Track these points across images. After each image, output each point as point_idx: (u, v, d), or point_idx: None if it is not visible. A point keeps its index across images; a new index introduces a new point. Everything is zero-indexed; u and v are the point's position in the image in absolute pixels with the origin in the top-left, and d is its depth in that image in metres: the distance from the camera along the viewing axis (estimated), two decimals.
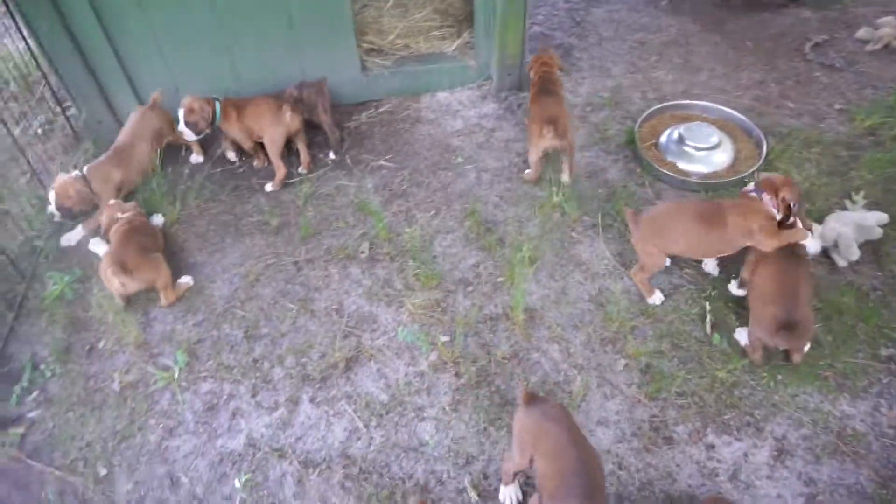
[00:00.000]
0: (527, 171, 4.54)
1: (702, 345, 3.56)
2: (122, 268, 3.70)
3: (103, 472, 3.26)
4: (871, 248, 3.92)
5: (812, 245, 3.80)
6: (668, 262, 3.79)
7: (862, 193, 4.14)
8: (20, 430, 3.41)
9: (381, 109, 5.30)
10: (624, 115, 5.08)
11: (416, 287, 3.92)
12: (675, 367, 3.47)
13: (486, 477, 3.14)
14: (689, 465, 3.13)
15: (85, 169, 4.34)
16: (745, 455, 3.15)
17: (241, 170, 4.85)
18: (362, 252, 4.15)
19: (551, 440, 2.61)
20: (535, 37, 6.00)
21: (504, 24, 4.92)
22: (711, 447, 3.19)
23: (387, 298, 3.88)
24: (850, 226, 3.81)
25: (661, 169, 4.46)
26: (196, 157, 4.90)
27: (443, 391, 3.44)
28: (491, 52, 5.22)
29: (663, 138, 4.71)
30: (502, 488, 3.03)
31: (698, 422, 3.27)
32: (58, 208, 4.19)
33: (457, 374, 3.50)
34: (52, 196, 4.17)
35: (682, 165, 4.54)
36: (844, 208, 4.08)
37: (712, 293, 3.78)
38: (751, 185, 3.58)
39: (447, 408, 3.38)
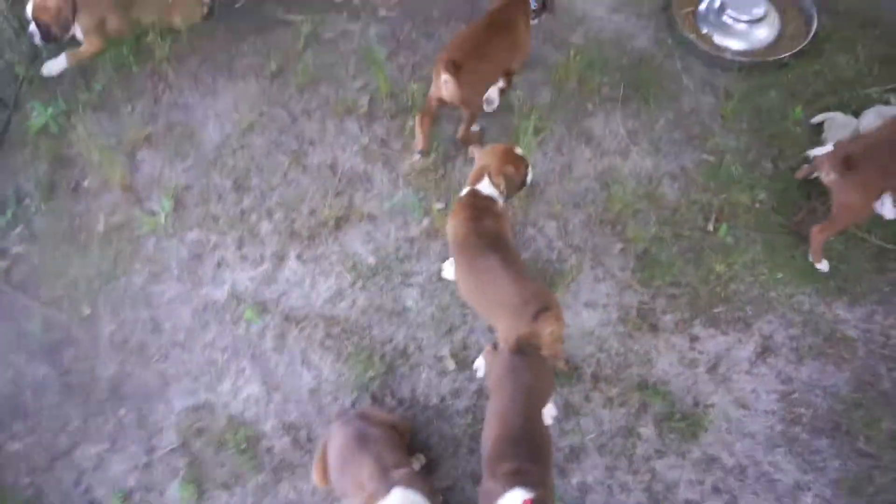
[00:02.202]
0: None
1: (706, 235, 3.41)
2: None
3: (87, 311, 3.31)
4: None
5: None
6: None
7: None
8: (4, 263, 3.42)
9: None
10: None
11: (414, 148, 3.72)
12: (673, 256, 3.36)
13: (465, 347, 3.16)
14: (670, 354, 3.12)
15: None
16: (729, 350, 3.12)
17: (237, 4, 4.45)
18: (361, 106, 3.90)
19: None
20: None
21: None
22: (696, 339, 3.16)
23: (383, 158, 3.70)
24: None
25: (693, 39, 4.03)
26: None
27: (432, 259, 3.37)
28: None
29: (703, 6, 4.22)
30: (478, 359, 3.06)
31: (687, 312, 3.21)
32: (36, 23, 3.79)
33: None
34: (30, 7, 3.76)
35: (717, 39, 4.08)
36: (888, 102, 3.72)
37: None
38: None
39: (434, 277, 3.32)
